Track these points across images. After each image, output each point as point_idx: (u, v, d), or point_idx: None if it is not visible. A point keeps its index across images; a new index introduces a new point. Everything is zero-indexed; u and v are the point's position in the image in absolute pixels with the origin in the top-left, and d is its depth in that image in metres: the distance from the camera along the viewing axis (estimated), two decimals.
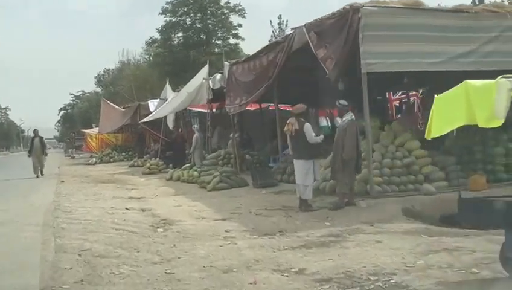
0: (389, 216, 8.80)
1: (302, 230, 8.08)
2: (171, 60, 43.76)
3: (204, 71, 19.97)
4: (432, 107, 6.00)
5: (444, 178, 10.70)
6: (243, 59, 15.57)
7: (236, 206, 10.41)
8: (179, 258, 6.53)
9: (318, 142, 9.48)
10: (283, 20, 37.75)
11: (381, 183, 10.09)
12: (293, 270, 5.86)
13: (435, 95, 5.70)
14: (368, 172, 9.82)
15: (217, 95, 18.80)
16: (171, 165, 19.98)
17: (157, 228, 8.62)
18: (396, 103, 24.45)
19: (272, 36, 37.59)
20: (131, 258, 6.56)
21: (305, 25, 11.14)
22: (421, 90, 22.86)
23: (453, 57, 10.23)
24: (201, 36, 45.88)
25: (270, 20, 38.44)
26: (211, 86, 18.56)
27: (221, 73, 17.58)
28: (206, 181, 13.92)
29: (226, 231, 8.10)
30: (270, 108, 24.82)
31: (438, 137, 12.08)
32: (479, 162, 11.65)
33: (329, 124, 29.03)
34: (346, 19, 9.82)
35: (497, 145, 11.71)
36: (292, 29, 11.74)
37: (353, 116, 9.51)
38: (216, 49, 44.01)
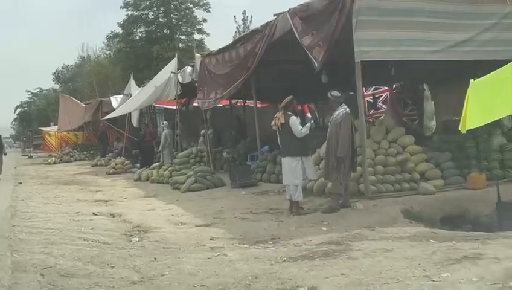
0: (389, 219, 7.99)
1: (298, 237, 7.18)
2: (134, 56, 42.19)
3: (172, 65, 18.82)
4: (467, 95, 5.24)
5: (440, 176, 9.95)
6: (216, 50, 14.53)
7: (217, 210, 9.42)
8: (162, 275, 5.49)
9: (306, 132, 8.59)
10: (247, 16, 36.80)
11: (375, 182, 9.26)
12: (301, 289, 4.93)
13: (471, 80, 4.92)
14: (363, 170, 8.97)
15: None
16: (138, 164, 18.78)
17: (131, 236, 7.56)
18: (369, 98, 23.80)
19: (236, 32, 36.73)
20: (105, 277, 5.49)
21: (288, 11, 10.20)
22: (394, 85, 22.34)
23: (451, 45, 9.48)
24: (165, 31, 44.42)
25: (234, 16, 37.40)
26: (181, 80, 17.47)
27: (192, 66, 16.53)
28: (179, 181, 12.86)
29: (211, 240, 7.11)
30: (238, 104, 23.99)
31: (423, 132, 11.31)
32: (472, 159, 10.98)
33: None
34: (337, 3, 8.92)
35: (490, 140, 11.06)
36: (274, 15, 10.79)
37: (347, 109, 8.65)
38: (180, 45, 42.75)
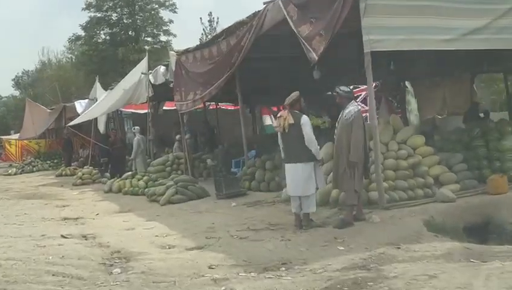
0: (412, 233, 6.87)
1: (313, 260, 5.98)
2: (98, 59, 40.52)
3: (142, 65, 17.44)
4: None
5: (455, 180, 8.91)
6: (193, 47, 13.23)
7: (208, 226, 8.13)
8: None
9: (314, 148, 7.44)
10: (213, 18, 35.63)
11: (386, 189, 8.14)
12: None
13: None
14: (376, 176, 7.83)
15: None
16: (107, 174, 17.27)
17: (111, 266, 6.21)
18: None
19: (202, 34, 35.58)
20: None
21: None
22: (374, 84, 21.43)
23: (465, 33, 8.43)
24: (130, 33, 42.81)
25: (200, 18, 36.29)
26: (153, 81, 16.09)
27: (166, 65, 15.19)
28: (157, 193, 11.50)
29: (211, 268, 5.83)
30: (211, 107, 22.76)
31: (427, 130, 10.26)
32: (483, 159, 10.01)
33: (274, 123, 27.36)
34: None
35: (502, 139, 10.09)
36: (264, 3, 9.57)
37: (359, 107, 7.51)
38: (146, 46, 41.18)
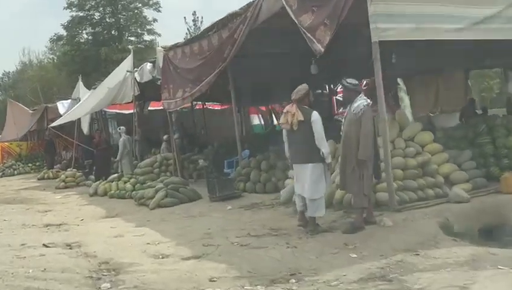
0: (428, 237, 6.32)
1: (325, 270, 5.39)
2: (80, 59, 39.53)
3: (128, 62, 16.72)
4: None
5: (467, 179, 8.37)
6: (182, 42, 12.58)
7: (204, 232, 7.49)
8: None
9: (323, 147, 6.81)
10: (198, 17, 35.00)
11: (395, 190, 7.55)
12: None
13: None
14: (387, 176, 7.24)
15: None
16: (92, 176, 16.51)
17: (99, 280, 5.55)
18: (339, 97, 22.26)
19: (186, 34, 34.93)
20: None
21: None
22: (364, 82, 20.90)
23: (475, 22, 7.89)
24: (113, 32, 41.83)
25: (184, 17, 35.81)
26: (138, 79, 15.40)
27: (153, 62, 14.51)
28: (146, 196, 10.81)
29: (212, 281, 5.21)
30: (197, 107, 22.15)
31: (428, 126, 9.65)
32: (490, 157, 9.50)
33: (262, 123, 26.74)
34: None
35: (510, 135, 9.59)
36: None
37: (368, 101, 6.92)
38: (130, 46, 40.29)
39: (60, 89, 38.20)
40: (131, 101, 16.40)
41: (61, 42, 42.47)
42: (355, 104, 6.84)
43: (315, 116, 6.74)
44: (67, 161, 22.78)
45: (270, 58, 13.06)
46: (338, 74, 14.16)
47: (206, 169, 10.48)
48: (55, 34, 41.97)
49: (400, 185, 7.69)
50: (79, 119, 20.75)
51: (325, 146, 6.73)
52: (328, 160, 6.77)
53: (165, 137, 16.80)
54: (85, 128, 21.45)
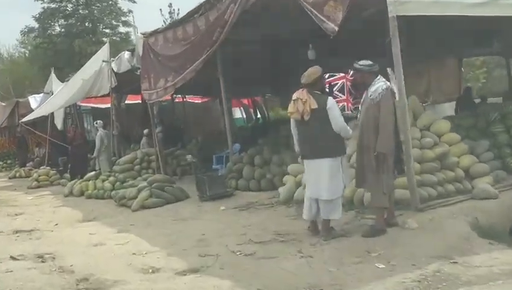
0: (461, 241, 5.48)
1: (351, 286, 4.54)
2: (53, 52, 38.00)
3: (104, 52, 15.57)
4: None
5: (487, 172, 7.54)
6: (164, 26, 11.52)
7: (198, 239, 6.51)
8: None
9: (349, 135, 5.94)
10: (174, 9, 33.74)
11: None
12: None
13: None
14: (408, 171, 6.34)
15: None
16: (67, 174, 15.34)
17: None
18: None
19: (162, 26, 33.50)
20: None
21: None
22: (351, 71, 20.08)
23: None
24: (87, 24, 40.22)
25: (160, 9, 34.68)
26: (116, 70, 14.28)
27: (131, 51, 13.41)
28: (128, 196, 9.78)
29: None
30: (177, 100, 21.24)
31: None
32: (505, 147, 8.72)
33: (245, 116, 25.77)
34: None
35: None
36: None
37: (388, 83, 6.00)
38: (104, 38, 38.83)
39: (32, 83, 36.62)
40: (108, 94, 15.26)
41: (33, 35, 40.75)
42: (373, 88, 5.93)
43: (331, 102, 5.81)
44: (41, 158, 21.49)
45: (258, 45, 12.12)
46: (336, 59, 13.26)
47: (194, 165, 9.48)
48: (26, 27, 40.22)
49: (417, 181, 6.80)
50: (52, 114, 19.54)
51: (347, 133, 5.92)
52: (349, 130, 5.98)
53: (145, 131, 15.70)
54: (59, 123, 20.20)
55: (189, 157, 9.45)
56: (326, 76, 22.03)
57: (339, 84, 22.57)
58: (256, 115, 24.21)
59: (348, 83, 21.82)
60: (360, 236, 5.75)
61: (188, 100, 23.32)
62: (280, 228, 6.56)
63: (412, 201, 6.33)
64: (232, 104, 25.65)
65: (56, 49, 38.15)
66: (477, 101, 15.39)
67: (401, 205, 6.50)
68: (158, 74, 11.55)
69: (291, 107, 5.92)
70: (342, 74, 21.80)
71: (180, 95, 20.71)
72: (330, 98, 5.84)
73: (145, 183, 9.84)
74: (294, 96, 5.95)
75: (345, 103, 22.56)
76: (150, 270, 5.36)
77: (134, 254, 6.07)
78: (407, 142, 6.25)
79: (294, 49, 11.78)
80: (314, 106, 5.70)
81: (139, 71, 12.66)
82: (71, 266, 5.73)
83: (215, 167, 11.42)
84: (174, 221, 7.94)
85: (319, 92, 5.90)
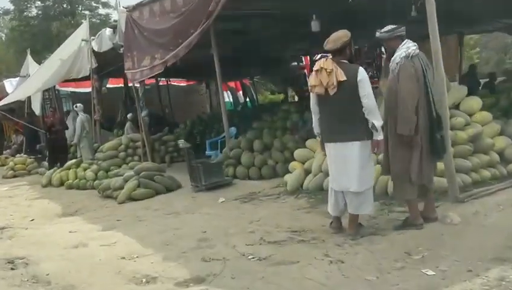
0: None
1: None
2: (30, 35, 36.49)
3: (83, 30, 14.39)
4: None
5: None
6: None
7: (198, 237, 5.52)
8: None
9: (378, 118, 4.84)
10: None
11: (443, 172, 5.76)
12: None
13: None
14: (446, 156, 5.39)
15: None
16: (45, 162, 14.20)
17: None
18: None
19: None
20: None
21: None
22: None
23: None
24: (65, 6, 38.75)
25: None
26: (96, 49, 13.13)
27: (113, 28, 12.27)
28: (113, 186, 8.76)
29: None
30: (161, 83, 20.22)
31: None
32: None
33: (231, 100, 24.76)
34: None
35: None
36: None
37: (411, 49, 4.87)
38: (83, 21, 37.32)
39: (8, 67, 35.12)
40: (88, 76, 14.10)
41: (8, 17, 39.20)
42: (395, 55, 4.94)
43: (362, 73, 4.78)
44: (18, 145, 20.27)
45: (251, 20, 11.07)
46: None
47: (187, 152, 8.45)
48: (1, 8, 38.67)
49: None
50: (29, 98, 18.33)
51: (377, 116, 4.78)
52: (380, 136, 4.84)
53: (129, 116, 14.64)
54: (37, 109, 18.93)
55: (181, 142, 8.42)
56: (318, 56, 21.06)
57: None
58: (245, 98, 23.21)
59: None
60: (395, 234, 4.82)
61: (172, 83, 22.33)
62: (294, 223, 5.60)
63: (451, 190, 5.41)
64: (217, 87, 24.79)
65: (33, 32, 36.71)
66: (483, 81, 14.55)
67: (436, 195, 5.57)
68: (143, 51, 10.47)
69: (313, 79, 4.88)
70: None
71: (164, 78, 19.68)
72: (361, 69, 4.81)
73: (131, 172, 8.82)
74: (316, 66, 4.92)
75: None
76: (144, 280, 4.37)
77: (123, 258, 5.07)
78: (445, 121, 5.29)
79: (292, 23, 10.78)
80: (342, 77, 4.69)
81: (121, 49, 11.58)
82: (47, 275, 4.72)
83: (209, 153, 10.43)
84: (167, 215, 6.93)
85: (345, 61, 4.89)
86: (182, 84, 23.99)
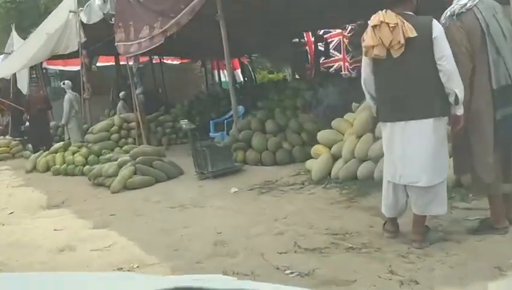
0: None
1: None
2: (17, 12, 34.93)
3: (70, 1, 13.10)
4: None
5: None
6: None
7: (213, 240, 4.40)
8: None
9: (461, 86, 3.56)
10: None
11: None
12: None
13: None
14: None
15: None
16: (30, 145, 13.01)
17: None
18: (320, 45, 19.43)
19: None
20: None
21: None
22: (349, 27, 18.02)
23: None
24: None
25: None
26: (85, 21, 11.89)
27: None
28: (106, 173, 7.64)
29: None
30: (154, 61, 19.10)
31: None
32: None
33: (227, 79, 23.62)
34: None
35: None
36: None
37: (463, 3, 3.67)
38: None
39: None
40: (77, 52, 12.86)
41: None
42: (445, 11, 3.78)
43: (438, 28, 3.59)
44: (4, 126, 19.08)
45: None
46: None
47: (191, 134, 7.28)
48: None
49: None
50: (15, 77, 17.09)
51: (459, 83, 3.57)
52: (461, 109, 3.63)
53: (121, 94, 13.49)
54: (24, 88, 17.68)
55: (184, 123, 7.25)
56: (321, 32, 19.82)
57: (335, 41, 20.50)
58: (244, 77, 22.10)
59: (345, 40, 19.80)
60: (473, 241, 3.74)
61: (165, 61, 21.28)
62: (332, 223, 4.52)
63: None
64: (213, 66, 23.76)
65: (20, 9, 35.16)
66: None
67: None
68: (140, 21, 9.35)
69: (369, 38, 3.66)
70: (339, 30, 19.73)
71: (157, 56, 18.59)
72: (436, 22, 3.64)
73: (127, 157, 7.69)
74: (374, 20, 3.67)
75: (341, 62, 20.53)
76: None
77: (121, 268, 3.97)
78: None
79: None
80: (412, 33, 3.54)
81: (112, 19, 10.40)
82: None
83: (213, 135, 9.31)
84: (170, 209, 5.82)
85: (411, 13, 3.72)
86: (175, 63, 22.91)
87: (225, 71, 23.64)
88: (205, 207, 5.70)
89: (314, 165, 6.18)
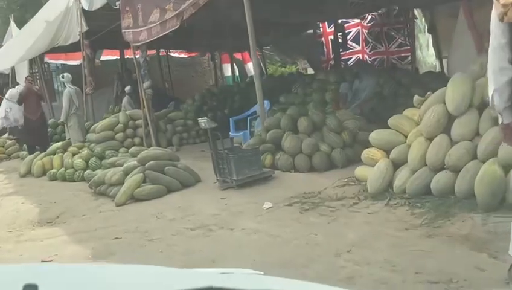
0: None
1: None
2: (18, 5, 34.08)
3: None
4: None
5: None
6: None
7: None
8: None
9: None
10: None
11: None
12: None
13: None
14: None
15: None
16: (25, 145, 11.75)
17: None
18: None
19: None
20: None
21: None
22: (369, 16, 16.79)
23: None
24: None
25: None
26: (87, 7, 10.70)
27: None
28: (109, 181, 6.41)
29: None
30: (161, 54, 18.09)
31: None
32: None
33: (237, 73, 22.58)
34: None
35: None
36: None
37: None
38: None
39: None
40: (79, 42, 11.66)
41: None
42: None
43: None
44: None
45: None
46: None
47: (212, 134, 5.95)
48: None
49: None
50: (13, 71, 15.94)
51: None
52: None
53: (127, 88, 12.26)
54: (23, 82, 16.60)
55: (204, 121, 5.94)
56: (339, 21, 18.45)
57: (353, 31, 19.20)
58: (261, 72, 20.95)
59: (364, 31, 18.50)
60: None
61: (172, 55, 20.30)
62: (422, 262, 3.25)
63: None
64: (221, 60, 22.73)
65: (21, 1, 34.33)
66: None
67: None
68: (148, 5, 8.13)
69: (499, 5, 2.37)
70: (357, 20, 18.43)
71: (163, 49, 17.62)
72: None
73: (134, 162, 6.44)
74: None
75: (360, 54, 19.23)
76: None
77: None
78: None
79: None
80: None
81: (117, 3, 9.21)
82: None
83: (233, 134, 8.04)
84: (191, 231, 4.57)
85: None
86: (182, 56, 21.93)
87: (234, 64, 22.64)
88: (234, 230, 4.44)
89: (370, 174, 4.92)
